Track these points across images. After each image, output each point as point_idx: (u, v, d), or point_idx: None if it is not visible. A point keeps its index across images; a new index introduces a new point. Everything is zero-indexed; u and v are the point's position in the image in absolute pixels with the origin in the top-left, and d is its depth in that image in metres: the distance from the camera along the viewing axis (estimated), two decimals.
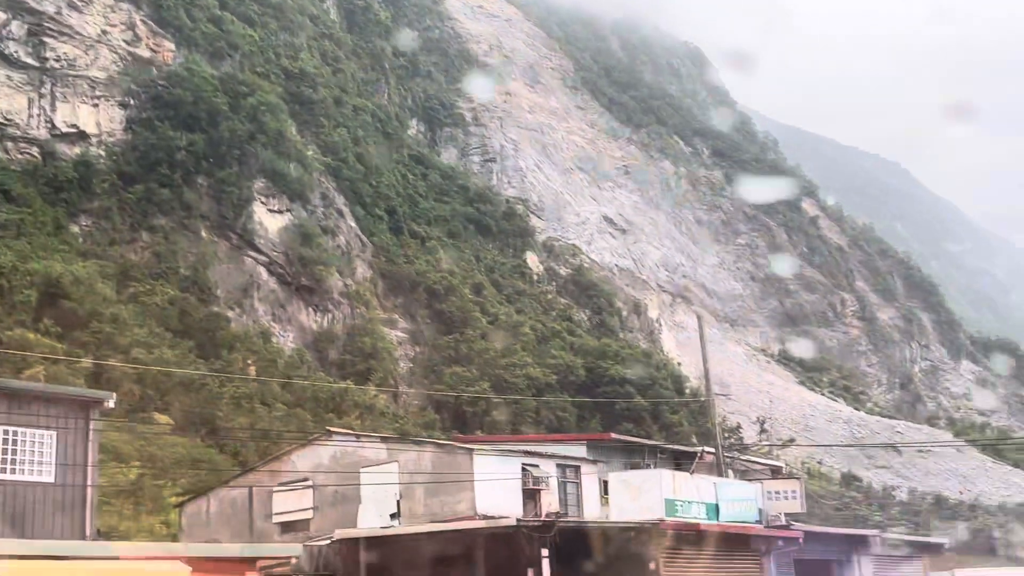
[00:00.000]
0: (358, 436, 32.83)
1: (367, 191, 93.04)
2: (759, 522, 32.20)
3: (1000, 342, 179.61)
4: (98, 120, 73.32)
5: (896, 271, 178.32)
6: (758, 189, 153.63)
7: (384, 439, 32.66)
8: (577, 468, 31.50)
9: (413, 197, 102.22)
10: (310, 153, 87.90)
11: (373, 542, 27.08)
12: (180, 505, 35.51)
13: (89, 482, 21.88)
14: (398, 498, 29.09)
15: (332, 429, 34.64)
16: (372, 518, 29.07)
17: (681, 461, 37.13)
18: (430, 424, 67.62)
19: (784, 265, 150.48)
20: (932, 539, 47.67)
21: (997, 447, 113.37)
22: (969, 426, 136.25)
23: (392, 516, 29.04)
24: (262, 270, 75.03)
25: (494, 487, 27.83)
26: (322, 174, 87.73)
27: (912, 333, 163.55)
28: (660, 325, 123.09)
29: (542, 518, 25.89)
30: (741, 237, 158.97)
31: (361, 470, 29.95)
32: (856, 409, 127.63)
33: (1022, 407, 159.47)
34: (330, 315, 78.11)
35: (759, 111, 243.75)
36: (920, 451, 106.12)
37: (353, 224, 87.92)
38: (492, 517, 26.53)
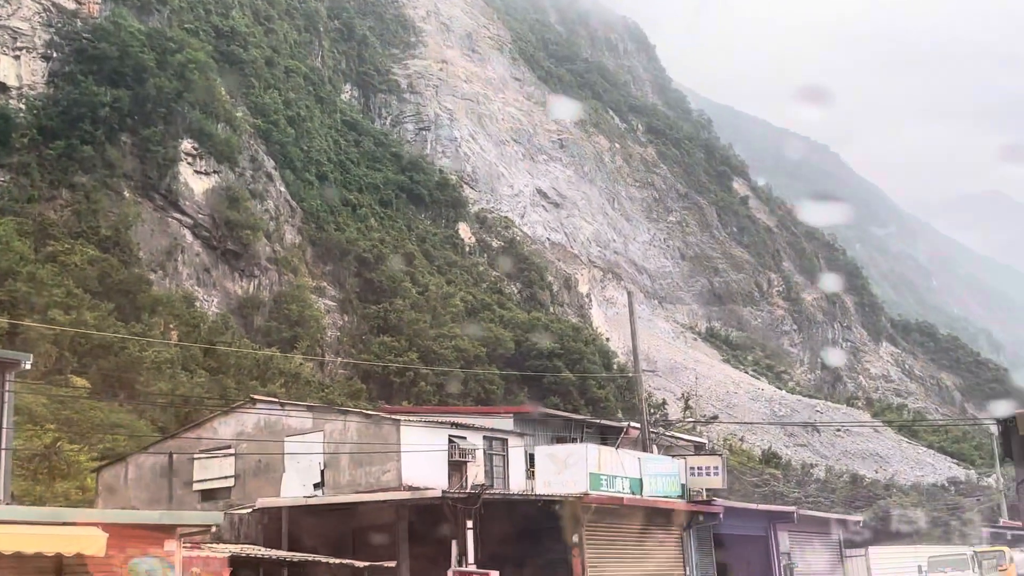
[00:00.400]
0: (282, 404, 32.30)
1: (298, 155, 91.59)
2: (681, 497, 32.59)
3: (920, 325, 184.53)
4: (19, 72, 70.83)
5: (821, 253, 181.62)
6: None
7: (309, 408, 32.22)
8: (504, 441, 31.49)
9: (345, 163, 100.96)
10: (239, 114, 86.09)
11: (296, 512, 26.75)
12: (97, 470, 34.69)
13: (4, 445, 21.19)
14: (322, 468, 28.76)
15: (256, 397, 34.09)
16: (295, 487, 28.73)
17: (607, 436, 37.38)
18: (357, 394, 67.10)
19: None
20: (847, 517, 48.71)
21: (912, 428, 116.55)
22: (886, 407, 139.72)
23: (316, 486, 28.70)
24: (187, 232, 73.46)
25: (420, 458, 27.66)
26: (251, 136, 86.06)
27: (835, 314, 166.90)
28: (590, 300, 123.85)
29: (468, 490, 25.79)
30: (672, 215, 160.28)
31: (285, 439, 29.54)
32: (778, 388, 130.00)
33: (938, 389, 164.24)
34: (256, 281, 76.87)
35: (693, 89, 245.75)
36: (838, 431, 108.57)
37: (283, 189, 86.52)
38: (418, 488, 26.38)
